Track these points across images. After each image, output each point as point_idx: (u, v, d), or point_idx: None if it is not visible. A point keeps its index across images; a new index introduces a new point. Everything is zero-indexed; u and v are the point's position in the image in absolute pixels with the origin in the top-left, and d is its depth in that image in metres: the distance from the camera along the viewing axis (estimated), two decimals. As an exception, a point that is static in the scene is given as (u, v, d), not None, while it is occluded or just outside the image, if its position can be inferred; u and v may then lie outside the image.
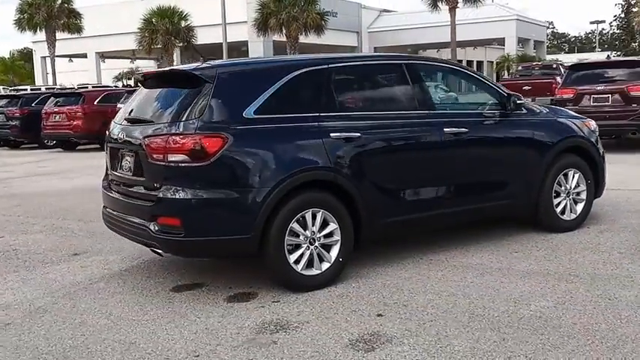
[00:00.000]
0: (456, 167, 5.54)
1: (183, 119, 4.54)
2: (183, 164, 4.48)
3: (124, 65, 58.51)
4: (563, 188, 6.20)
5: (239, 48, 44.40)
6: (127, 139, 4.97)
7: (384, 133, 5.19)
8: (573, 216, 6.30)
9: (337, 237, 4.86)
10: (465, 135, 5.52)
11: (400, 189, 5.21)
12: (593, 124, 6.62)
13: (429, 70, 5.99)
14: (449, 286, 4.81)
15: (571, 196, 6.27)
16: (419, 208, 5.36)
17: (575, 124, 6.37)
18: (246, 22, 40.61)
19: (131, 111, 5.21)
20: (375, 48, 52.91)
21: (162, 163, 4.54)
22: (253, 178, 4.56)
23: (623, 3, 54.20)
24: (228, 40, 32.12)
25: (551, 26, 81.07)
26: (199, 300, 4.74)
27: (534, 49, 66.50)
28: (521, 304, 4.35)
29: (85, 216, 8.13)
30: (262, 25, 36.86)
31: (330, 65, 5.13)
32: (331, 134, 4.86)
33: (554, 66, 27.31)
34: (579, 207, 6.34)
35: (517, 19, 66.89)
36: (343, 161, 4.88)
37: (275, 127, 4.73)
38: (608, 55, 15.61)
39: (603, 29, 60.59)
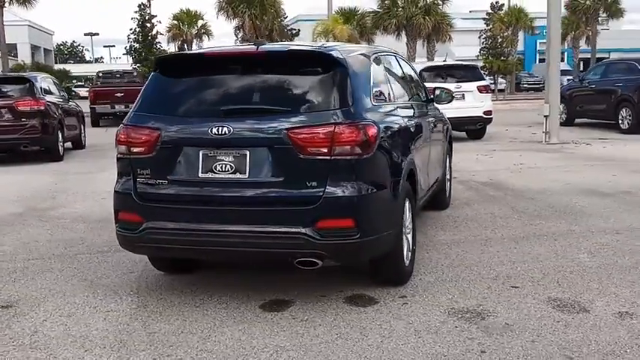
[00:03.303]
0: (430, 153, 5.96)
1: (340, 107, 3.98)
2: (350, 157, 3.92)
3: None
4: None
5: None
6: (240, 134, 3.97)
7: (415, 121, 5.33)
8: (448, 194, 7.35)
9: (410, 225, 4.85)
10: (431, 124, 6.02)
11: (422, 175, 5.42)
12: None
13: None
14: (505, 255, 5.36)
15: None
16: (424, 193, 5.65)
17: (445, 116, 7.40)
18: None
19: (217, 101, 4.21)
20: None
21: (323, 157, 3.88)
22: (395, 168, 4.33)
23: (139, 18, 57.27)
24: None
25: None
26: (322, 312, 4.15)
27: (44, 57, 65.12)
28: (591, 259, 5.20)
29: None
30: None
31: (371, 52, 5.05)
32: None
33: (135, 73, 27.82)
34: (448, 186, 7.41)
35: (29, 26, 64.16)
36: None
37: (386, 114, 4.51)
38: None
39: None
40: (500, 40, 47.09)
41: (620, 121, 15.91)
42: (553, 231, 6.14)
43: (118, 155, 4.35)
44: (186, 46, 46.70)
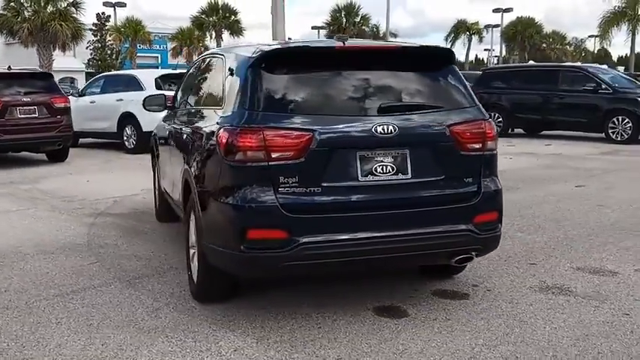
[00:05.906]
0: None
1: (474, 104, 4.05)
2: (490, 152, 4.02)
3: None
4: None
5: None
6: (405, 133, 3.69)
7: None
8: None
9: None
10: None
11: None
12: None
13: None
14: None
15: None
16: None
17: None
18: None
19: (364, 99, 3.84)
20: None
21: (478, 152, 3.92)
22: None
23: None
24: None
25: None
26: (443, 311, 4.14)
27: None
28: (533, 236, 6.01)
29: None
30: None
31: None
32: None
33: None
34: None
35: None
36: None
37: None
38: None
39: None
40: (109, 52, 46.72)
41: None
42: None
43: (236, 164, 3.57)
44: None
